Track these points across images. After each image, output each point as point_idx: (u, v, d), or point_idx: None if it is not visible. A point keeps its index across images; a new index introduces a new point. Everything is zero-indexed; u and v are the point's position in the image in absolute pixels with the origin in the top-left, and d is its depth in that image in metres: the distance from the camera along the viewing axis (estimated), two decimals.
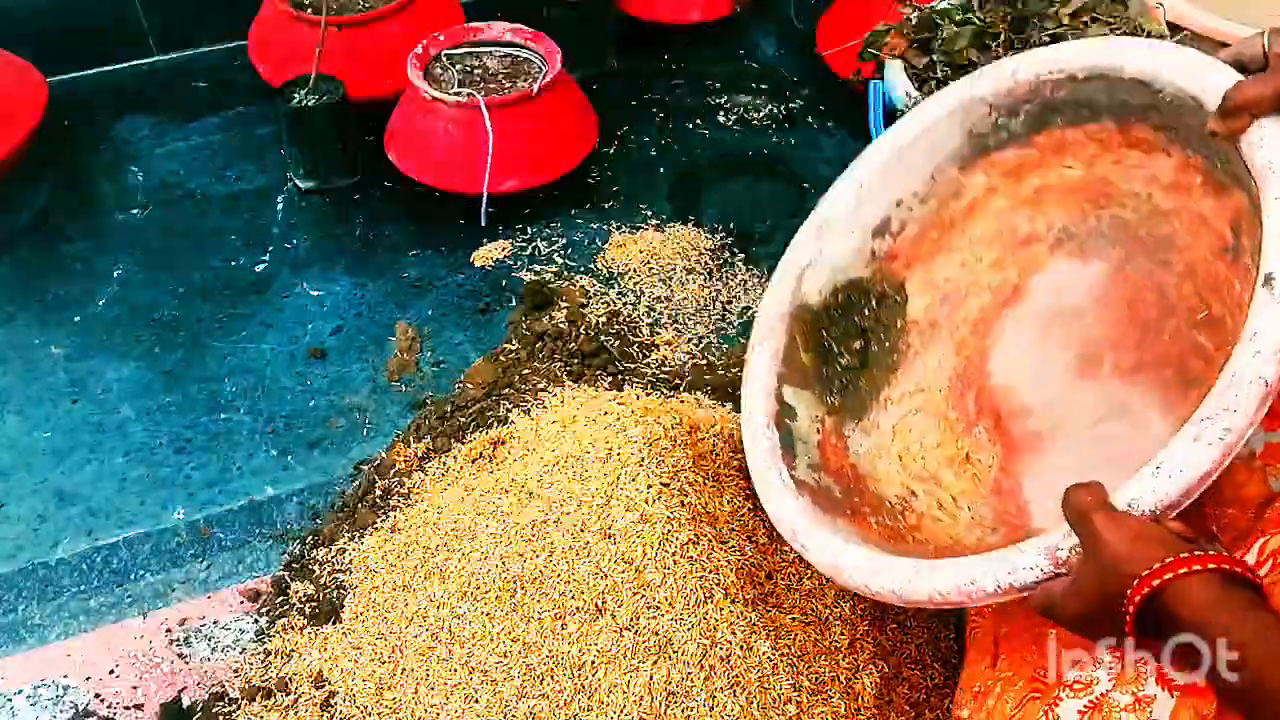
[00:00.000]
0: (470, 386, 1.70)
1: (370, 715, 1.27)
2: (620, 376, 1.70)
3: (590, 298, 1.86)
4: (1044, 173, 1.26)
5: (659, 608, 1.19)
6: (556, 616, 1.23)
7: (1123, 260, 1.23)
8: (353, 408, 1.71)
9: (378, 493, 1.54)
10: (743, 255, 1.96)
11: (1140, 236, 1.21)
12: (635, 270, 1.91)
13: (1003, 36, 1.59)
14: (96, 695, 1.37)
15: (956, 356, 1.34)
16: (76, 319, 1.85)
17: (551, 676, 1.20)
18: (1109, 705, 0.90)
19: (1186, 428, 0.88)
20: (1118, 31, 1.61)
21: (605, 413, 1.44)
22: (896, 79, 1.62)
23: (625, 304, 1.85)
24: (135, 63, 2.36)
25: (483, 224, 1.98)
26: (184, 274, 1.92)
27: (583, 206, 2.05)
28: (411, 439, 1.62)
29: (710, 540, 1.24)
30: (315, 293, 1.90)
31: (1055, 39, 1.59)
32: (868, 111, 1.67)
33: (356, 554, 1.45)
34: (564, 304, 1.84)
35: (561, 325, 1.79)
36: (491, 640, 1.25)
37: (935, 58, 1.63)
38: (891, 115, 1.66)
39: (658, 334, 1.80)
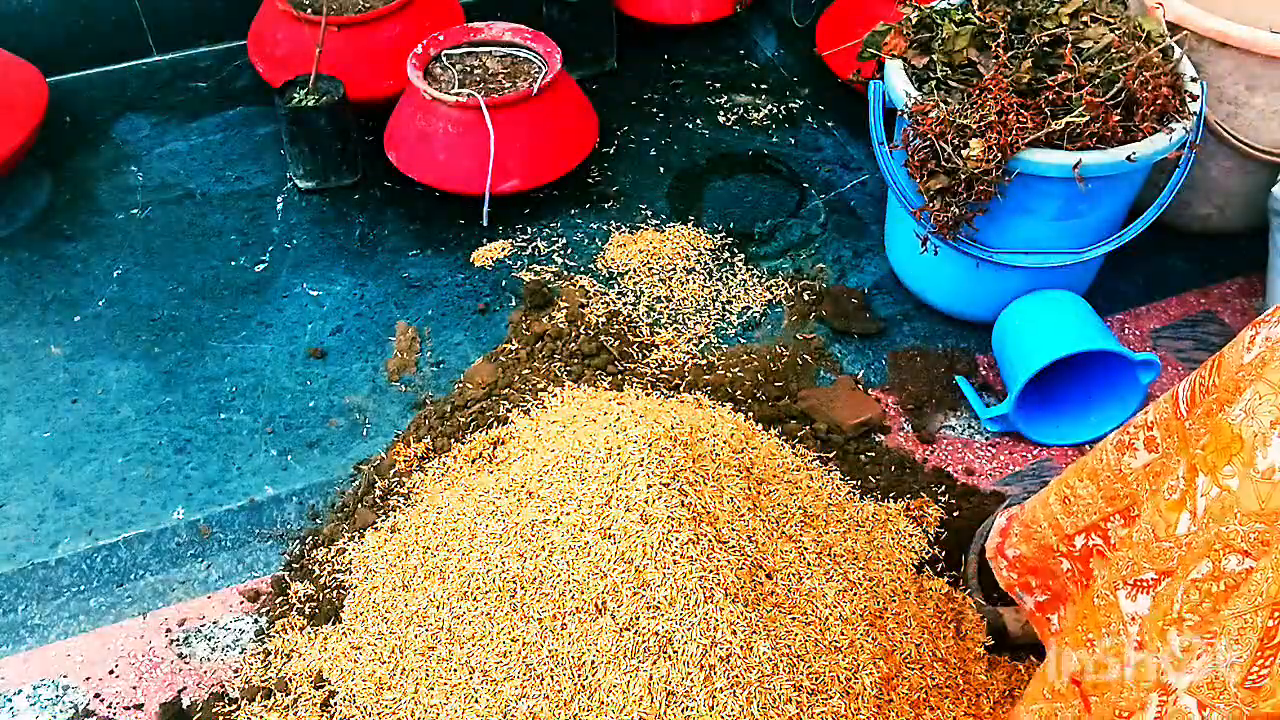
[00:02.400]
0: (470, 386, 1.70)
1: (370, 715, 1.27)
2: (620, 376, 1.70)
3: (590, 298, 1.86)
4: None
5: (659, 608, 1.19)
6: (556, 616, 1.23)
7: None
8: (353, 408, 1.71)
9: (377, 493, 1.54)
10: (742, 255, 1.96)
11: None
12: (635, 270, 1.91)
13: (1002, 36, 1.59)
14: (96, 695, 1.37)
15: None
16: (76, 319, 1.85)
17: (551, 676, 1.20)
18: None
19: None
20: (1116, 31, 1.60)
21: (605, 413, 1.44)
22: (896, 79, 1.62)
23: (625, 304, 1.85)
24: (135, 63, 2.36)
25: (484, 224, 1.98)
26: (184, 274, 1.93)
27: (583, 206, 2.05)
28: (411, 439, 1.62)
29: (710, 540, 1.24)
30: (315, 293, 1.89)
31: (1054, 40, 1.59)
32: (868, 111, 1.67)
33: (356, 554, 1.45)
34: (564, 304, 1.84)
35: (561, 325, 1.79)
36: (491, 640, 1.25)
37: (935, 58, 1.62)
38: (891, 115, 1.66)
39: (658, 334, 1.80)
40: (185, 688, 1.37)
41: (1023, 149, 1.51)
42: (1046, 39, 1.58)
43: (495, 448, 1.53)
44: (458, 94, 1.93)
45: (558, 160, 1.99)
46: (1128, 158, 1.51)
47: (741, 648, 1.18)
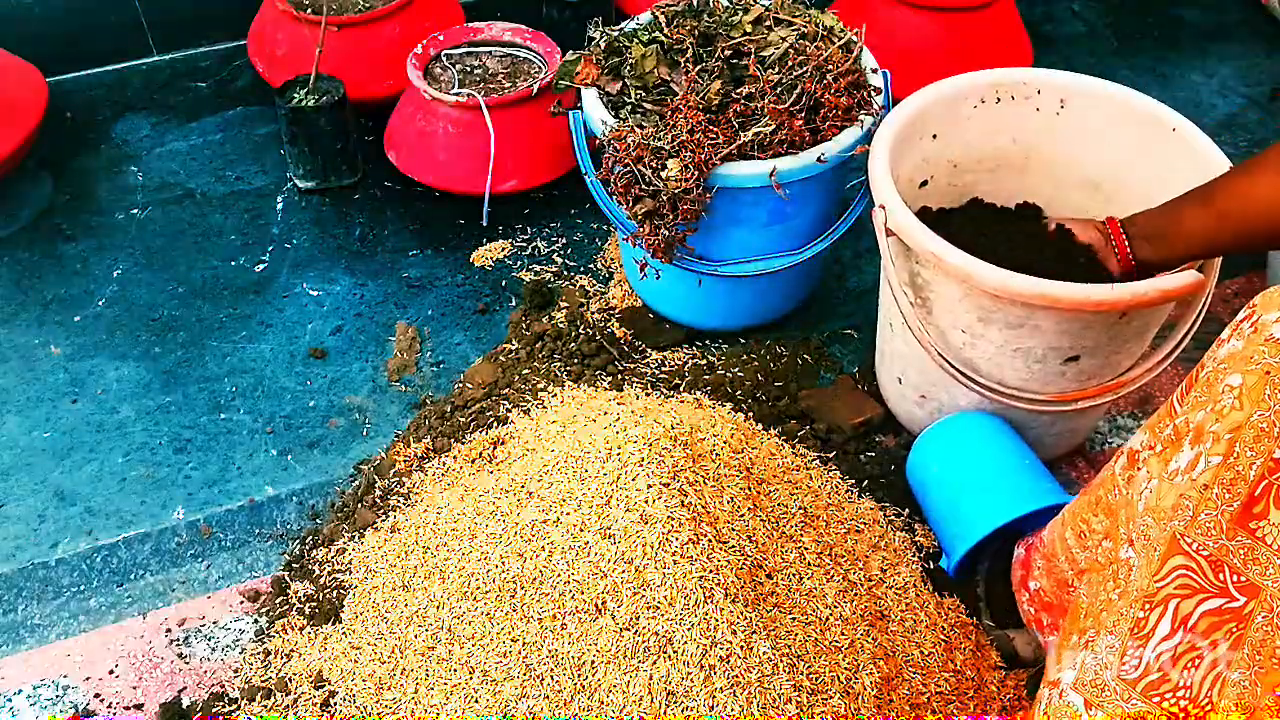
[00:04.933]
0: (470, 386, 1.70)
1: (370, 715, 1.27)
2: (620, 376, 1.70)
3: (590, 298, 1.86)
4: None
5: (659, 608, 1.19)
6: (556, 616, 1.23)
7: None
8: (353, 408, 1.71)
9: (377, 493, 1.54)
10: None
11: None
12: None
13: (690, 51, 1.56)
14: (96, 695, 1.37)
15: None
16: (76, 319, 1.85)
17: (551, 676, 1.20)
18: None
19: None
20: (797, 32, 1.57)
21: (605, 413, 1.44)
22: (593, 108, 1.59)
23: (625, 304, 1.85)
24: (135, 63, 2.36)
25: (484, 224, 1.98)
26: (184, 274, 1.93)
27: (583, 206, 2.05)
28: (411, 439, 1.62)
29: (710, 540, 1.24)
30: (315, 293, 1.90)
31: (736, 52, 1.57)
32: (573, 143, 1.64)
33: (356, 554, 1.45)
34: (564, 304, 1.84)
35: (561, 325, 1.79)
36: (491, 640, 1.25)
37: (627, 81, 1.58)
38: (594, 146, 1.62)
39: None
40: (185, 688, 1.37)
41: (718, 164, 1.48)
42: (729, 51, 1.55)
43: (495, 448, 1.53)
44: (458, 94, 1.93)
45: (558, 160, 1.99)
46: (818, 159, 1.50)
47: (741, 648, 1.18)
